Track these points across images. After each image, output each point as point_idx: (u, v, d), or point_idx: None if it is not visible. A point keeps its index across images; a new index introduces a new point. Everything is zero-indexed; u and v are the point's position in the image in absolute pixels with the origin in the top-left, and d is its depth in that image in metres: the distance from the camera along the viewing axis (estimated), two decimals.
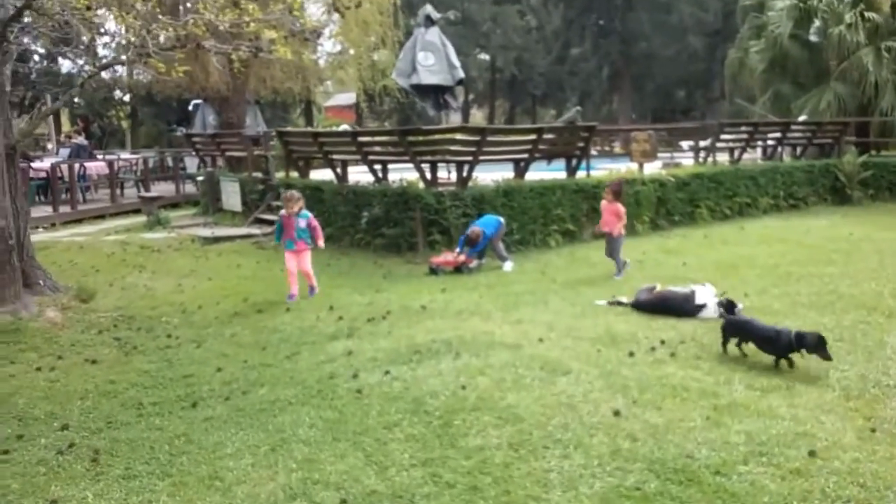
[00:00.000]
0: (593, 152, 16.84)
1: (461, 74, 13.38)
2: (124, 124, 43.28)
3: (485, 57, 50.31)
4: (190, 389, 5.37)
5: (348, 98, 48.90)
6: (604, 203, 9.34)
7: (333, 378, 5.41)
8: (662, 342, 6.17)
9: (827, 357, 5.40)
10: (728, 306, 6.64)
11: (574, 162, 12.47)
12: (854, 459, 4.02)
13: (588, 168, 12.86)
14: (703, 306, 6.87)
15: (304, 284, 8.39)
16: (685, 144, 20.44)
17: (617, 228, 9.03)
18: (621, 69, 42.29)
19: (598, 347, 6.02)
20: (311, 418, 4.70)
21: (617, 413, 4.61)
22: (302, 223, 8.37)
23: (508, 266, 9.60)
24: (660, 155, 14.93)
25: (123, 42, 7.56)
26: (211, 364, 5.94)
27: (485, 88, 51.70)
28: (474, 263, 9.62)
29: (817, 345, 5.42)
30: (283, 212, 8.52)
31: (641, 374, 5.38)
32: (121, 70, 34.87)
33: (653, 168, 13.95)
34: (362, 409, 4.79)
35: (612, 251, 9.11)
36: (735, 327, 5.94)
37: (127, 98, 39.73)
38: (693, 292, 6.96)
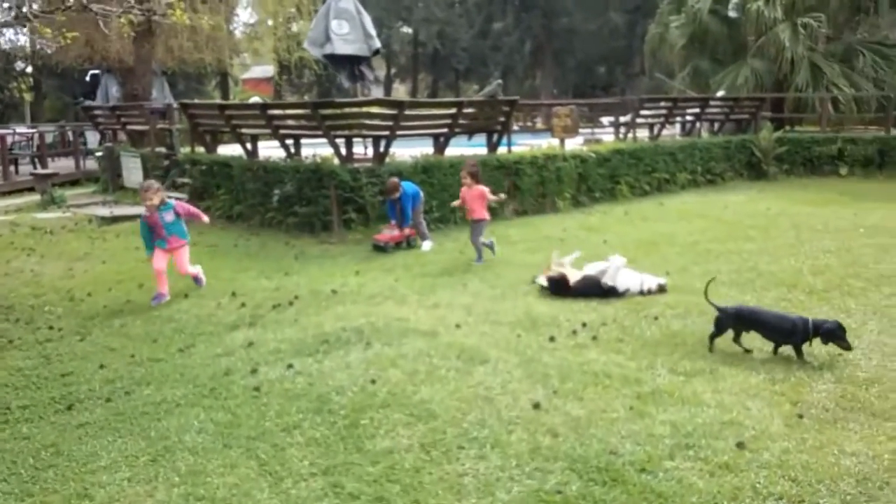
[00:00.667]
0: (515, 127, 16.61)
1: (378, 45, 12.80)
2: (27, 97, 40.78)
3: (407, 30, 49.56)
4: (67, 390, 4.78)
5: (266, 71, 47.42)
6: (464, 189, 8.49)
7: (229, 374, 4.92)
8: (584, 325, 5.91)
9: (847, 346, 5.02)
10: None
11: (495, 137, 12.13)
12: (783, 450, 3.80)
13: (509, 144, 12.55)
14: (626, 291, 6.66)
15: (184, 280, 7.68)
16: (606, 120, 20.44)
17: (484, 213, 8.39)
18: (543, 44, 42.27)
19: (518, 332, 5.70)
20: (200, 422, 4.21)
21: (537, 406, 4.29)
22: (168, 216, 7.11)
23: (427, 245, 9.21)
24: (581, 131, 14.75)
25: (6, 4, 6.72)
26: (94, 360, 5.35)
27: (407, 62, 51.03)
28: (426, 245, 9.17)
29: (837, 333, 5.02)
30: (143, 211, 7.22)
31: (562, 360, 5.09)
32: (21, 39, 32.82)
33: (574, 144, 13.77)
34: (259, 410, 4.33)
35: (475, 236, 8.36)
36: (738, 318, 5.34)
37: (29, 69, 37.45)
38: (613, 288, 6.71)
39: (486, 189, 8.45)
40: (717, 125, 17.49)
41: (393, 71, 52.74)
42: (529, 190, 11.85)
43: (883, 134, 16.93)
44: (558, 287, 6.84)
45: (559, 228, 10.42)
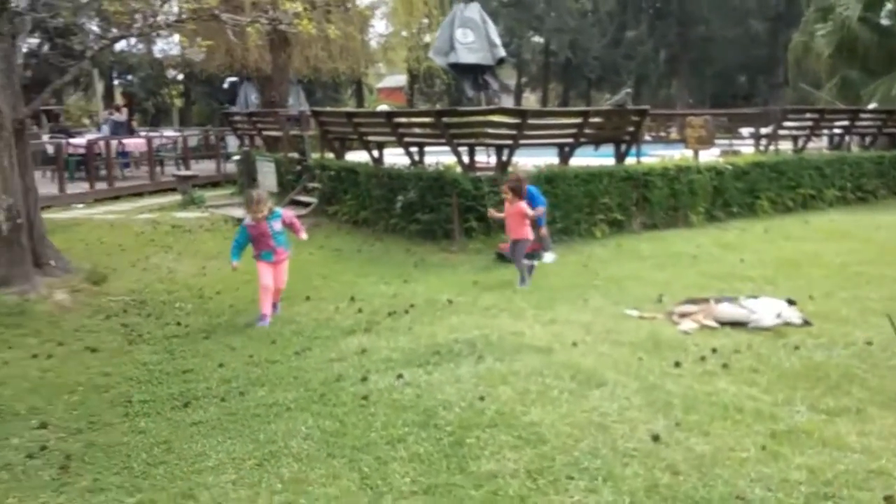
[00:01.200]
0: (647, 138, 16.04)
1: (502, 53, 12.64)
2: (177, 102, 43.61)
3: (538, 39, 49.26)
4: (186, 387, 4.91)
5: (399, 80, 48.52)
6: (506, 206, 7.89)
7: (340, 380, 4.89)
8: (714, 351, 5.49)
9: None
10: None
11: (623, 147, 11.70)
12: None
13: (638, 154, 12.07)
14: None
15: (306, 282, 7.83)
16: (745, 131, 19.37)
17: (525, 232, 7.78)
18: (679, 53, 40.85)
19: (640, 355, 5.37)
20: (307, 427, 4.18)
21: (656, 438, 3.98)
22: (277, 225, 6.78)
23: (550, 257, 8.95)
24: (717, 142, 14.01)
25: (137, 16, 7.09)
26: (214, 358, 5.49)
27: (538, 72, 50.68)
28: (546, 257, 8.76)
29: None
30: (247, 220, 6.79)
31: (688, 389, 4.72)
32: (174, 49, 35.14)
33: (709, 155, 13.09)
34: (366, 420, 4.25)
35: (516, 256, 7.80)
36: None
37: (180, 77, 40.03)
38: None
39: (525, 205, 7.80)
40: (868, 139, 16.18)
41: (524, 80, 52.58)
42: (660, 203, 11.34)
43: None
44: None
45: (692, 245, 9.87)
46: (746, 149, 14.89)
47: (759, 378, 4.95)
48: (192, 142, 21.73)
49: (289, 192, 13.82)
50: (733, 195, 12.33)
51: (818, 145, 16.09)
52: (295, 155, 14.40)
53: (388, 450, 3.88)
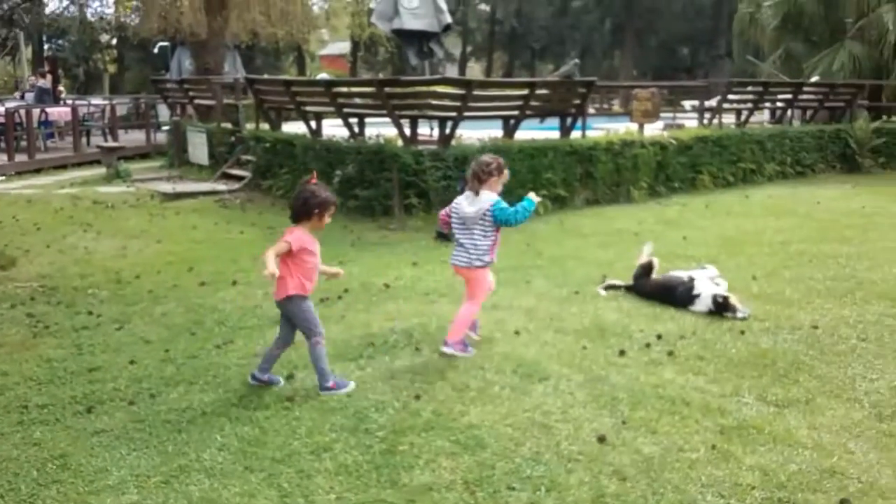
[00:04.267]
0: (591, 110, 15.82)
1: (448, 20, 12.18)
2: (110, 69, 41.74)
3: (484, 7, 48.69)
4: (91, 388, 4.45)
5: (343, 47, 47.39)
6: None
7: None
8: (659, 337, 5.28)
9: None
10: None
11: (569, 121, 11.43)
12: None
13: (584, 128, 11.82)
14: (697, 296, 5.90)
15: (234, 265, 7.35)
16: (689, 105, 19.35)
17: None
18: (624, 23, 40.77)
19: (584, 343, 5.12)
20: (223, 436, 3.79)
21: (602, 439, 3.72)
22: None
23: None
24: (661, 115, 13.87)
25: None
26: (126, 353, 5.02)
27: (483, 41, 50.13)
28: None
29: None
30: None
31: (633, 381, 4.49)
32: (107, 11, 33.50)
33: (654, 129, 12.93)
34: (289, 425, 3.89)
35: None
36: None
37: (114, 42, 38.36)
38: (692, 280, 6.00)
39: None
40: (809, 113, 16.28)
41: (468, 49, 51.96)
42: (603, 178, 11.14)
43: None
44: (644, 271, 6.34)
45: (634, 221, 9.70)
46: (690, 122, 14.81)
47: (706, 366, 4.76)
48: (122, 111, 20.72)
49: (221, 165, 13.20)
50: (676, 170, 12.23)
51: (760, 119, 16.13)
52: (228, 125, 13.75)
53: (312, 461, 3.53)
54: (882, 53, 17.52)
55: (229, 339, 5.23)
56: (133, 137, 18.85)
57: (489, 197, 4.77)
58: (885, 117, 16.95)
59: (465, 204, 4.85)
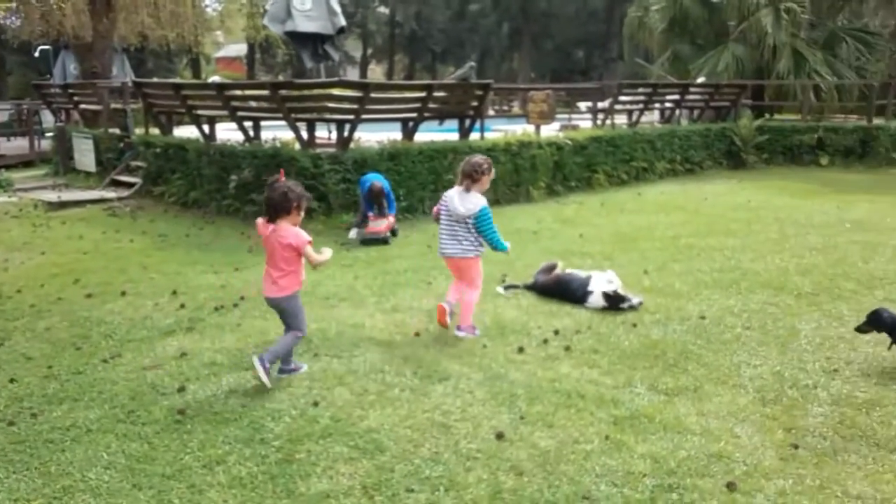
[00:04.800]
0: (491, 112, 16.04)
1: (342, 22, 12.07)
2: None
3: (384, 10, 48.63)
4: None
5: (240, 49, 46.27)
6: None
7: (154, 391, 4.33)
8: (556, 333, 5.39)
9: None
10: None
11: (468, 123, 11.54)
12: (779, 492, 3.32)
13: (482, 129, 11.96)
14: (589, 294, 6.06)
15: (123, 275, 7.12)
16: (583, 106, 19.91)
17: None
18: (521, 26, 41.61)
19: (484, 342, 5.17)
20: (110, 453, 3.62)
21: (500, 436, 3.76)
22: None
23: (353, 233, 8.84)
24: (558, 116, 14.19)
25: None
26: (6, 371, 4.73)
27: (384, 43, 50.12)
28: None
29: None
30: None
31: (531, 377, 4.56)
32: None
33: (550, 130, 13.22)
34: (181, 439, 3.75)
35: None
36: None
37: None
38: (589, 278, 6.14)
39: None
40: (696, 112, 17.03)
41: (370, 51, 51.81)
42: (503, 178, 11.28)
43: (864, 123, 16.57)
44: (545, 270, 6.53)
45: (533, 220, 9.88)
46: (584, 123, 15.22)
47: (600, 359, 4.89)
48: (3, 117, 19.56)
49: (109, 172, 12.65)
50: (572, 170, 12.54)
51: (650, 119, 16.74)
52: (116, 131, 13.18)
53: (204, 475, 3.42)
54: (763, 55, 18.51)
55: (117, 353, 5.00)
56: (15, 145, 17.83)
57: (479, 201, 5.18)
58: (767, 115, 17.93)
59: (458, 201, 5.18)
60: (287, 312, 4.46)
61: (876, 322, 4.75)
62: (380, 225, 8.61)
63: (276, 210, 4.33)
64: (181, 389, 4.33)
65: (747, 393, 4.39)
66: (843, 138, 16.19)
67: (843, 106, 18.31)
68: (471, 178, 5.17)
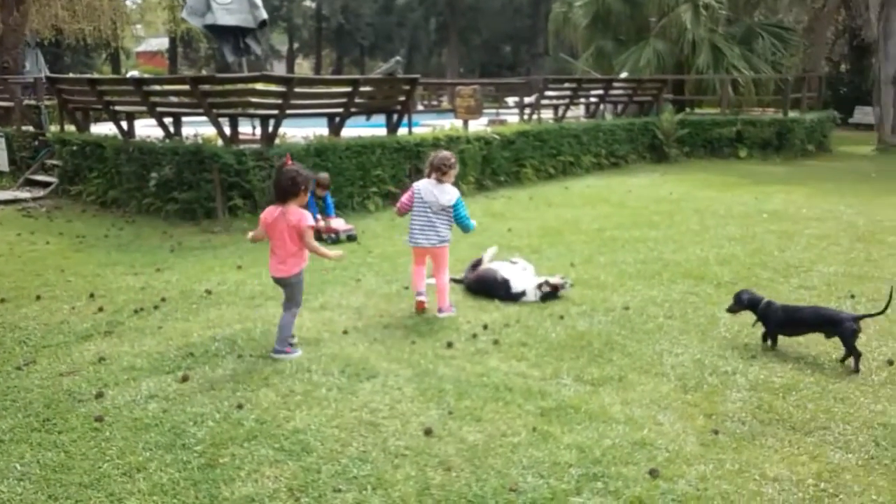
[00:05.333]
0: (420, 107, 16.01)
1: (264, 16, 11.82)
2: None
3: (310, 3, 48.01)
4: None
5: (162, 43, 44.99)
6: None
7: (71, 398, 4.17)
8: (485, 327, 5.43)
9: None
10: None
11: (395, 117, 11.50)
12: (700, 477, 3.42)
13: (410, 124, 11.94)
14: (522, 293, 6.12)
15: (36, 279, 6.86)
16: (511, 101, 20.09)
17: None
18: (448, 21, 41.68)
19: (413, 338, 5.16)
20: (23, 464, 3.47)
21: (429, 432, 3.76)
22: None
23: None
24: (486, 111, 14.29)
25: None
26: None
27: (311, 37, 49.52)
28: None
29: None
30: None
31: (460, 371, 4.58)
32: None
33: (478, 125, 13.30)
34: (99, 447, 3.62)
35: None
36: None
37: None
38: (507, 281, 6.17)
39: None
40: (620, 107, 17.39)
41: (296, 46, 51.08)
42: None
43: (780, 116, 17.22)
44: (473, 266, 6.63)
45: None
46: (512, 118, 15.37)
47: (528, 352, 4.94)
48: None
49: (24, 171, 12.13)
50: (501, 164, 12.64)
51: (576, 114, 17.01)
52: (30, 128, 12.64)
53: (123, 483, 3.31)
54: (682, 50, 19.03)
55: (31, 359, 4.79)
56: None
57: (453, 191, 5.63)
58: (687, 109, 18.47)
59: (434, 192, 5.57)
60: (294, 288, 4.83)
61: (738, 303, 5.20)
62: (339, 223, 8.58)
63: (286, 193, 4.66)
64: (99, 395, 4.18)
65: (669, 381, 4.51)
66: (761, 131, 16.79)
67: (760, 100, 18.98)
68: (440, 170, 5.58)
